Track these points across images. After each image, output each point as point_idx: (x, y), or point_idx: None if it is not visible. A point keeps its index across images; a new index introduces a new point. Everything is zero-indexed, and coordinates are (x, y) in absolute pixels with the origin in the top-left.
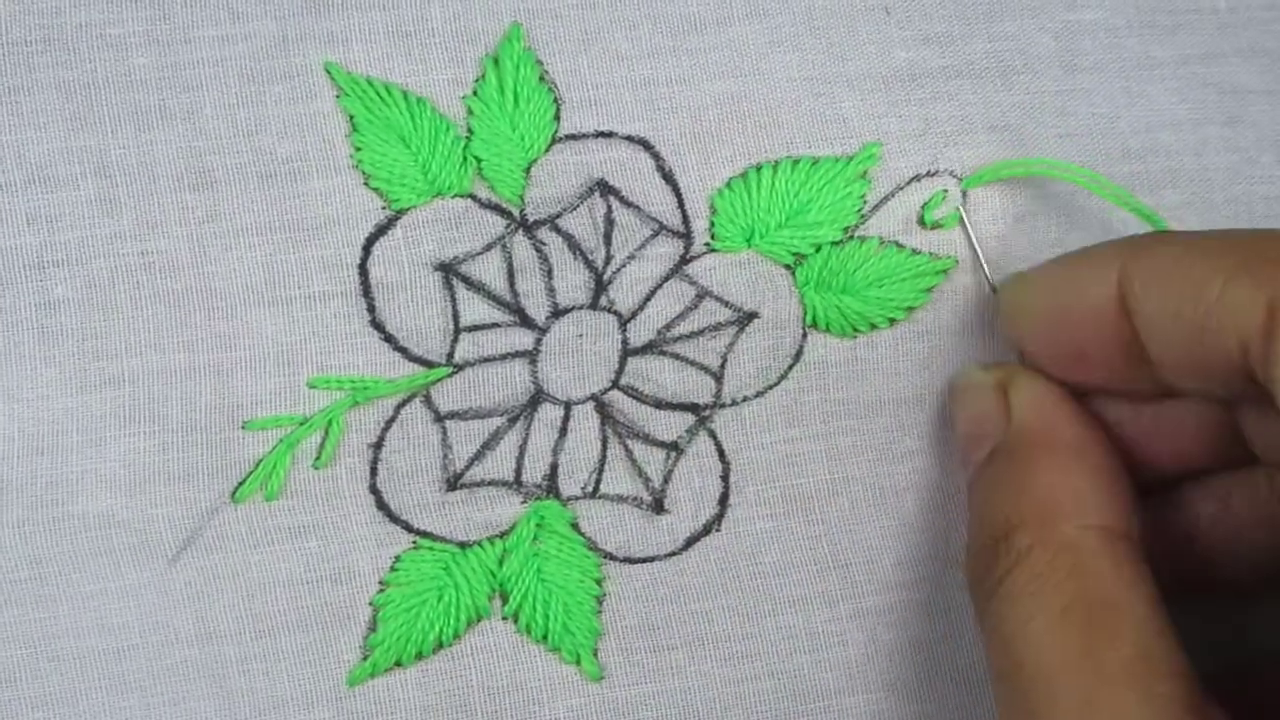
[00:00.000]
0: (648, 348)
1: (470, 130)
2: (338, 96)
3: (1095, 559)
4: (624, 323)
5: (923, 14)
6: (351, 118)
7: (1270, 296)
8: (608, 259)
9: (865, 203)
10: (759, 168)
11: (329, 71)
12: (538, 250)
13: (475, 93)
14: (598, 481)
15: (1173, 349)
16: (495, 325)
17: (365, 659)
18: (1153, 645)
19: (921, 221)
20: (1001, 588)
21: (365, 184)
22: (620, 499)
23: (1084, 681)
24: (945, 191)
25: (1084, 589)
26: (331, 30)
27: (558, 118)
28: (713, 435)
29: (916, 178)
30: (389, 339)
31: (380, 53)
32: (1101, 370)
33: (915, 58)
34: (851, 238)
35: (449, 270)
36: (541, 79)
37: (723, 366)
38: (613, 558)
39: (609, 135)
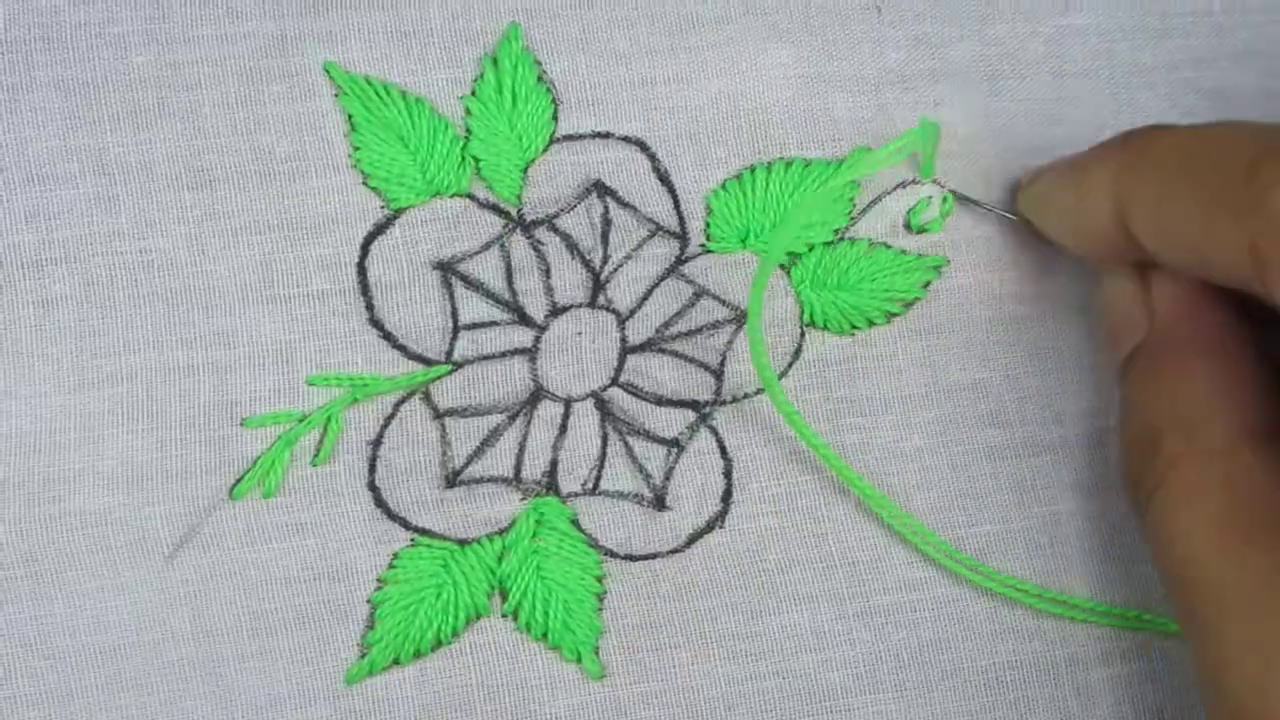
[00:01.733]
0: (647, 345)
1: (468, 130)
2: (336, 96)
3: (1246, 466)
4: (622, 321)
5: (914, 15)
6: (350, 117)
7: (1251, 235)
8: (605, 258)
9: (854, 205)
10: (753, 169)
11: (328, 71)
12: (536, 250)
13: (474, 93)
14: (598, 478)
15: (1184, 265)
16: (494, 323)
17: (363, 657)
18: None
19: (908, 226)
20: (1157, 495)
21: (364, 183)
22: (621, 496)
23: (1249, 593)
24: (929, 198)
25: (1238, 497)
26: (330, 30)
27: (555, 118)
28: (714, 432)
29: (902, 184)
30: (387, 337)
31: (379, 52)
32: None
33: (906, 59)
34: (842, 239)
35: (447, 269)
36: (540, 79)
37: (722, 364)
38: (614, 555)
39: (606, 136)
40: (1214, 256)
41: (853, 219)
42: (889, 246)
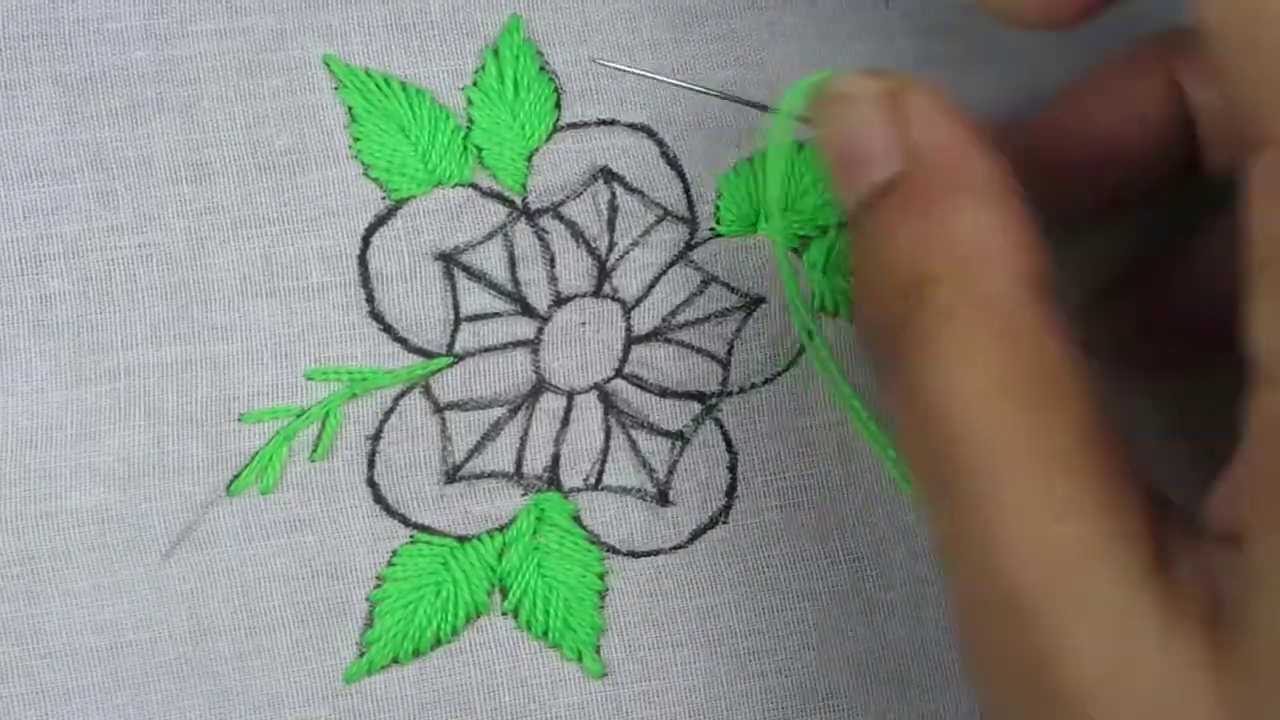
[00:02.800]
0: (652, 335)
1: (470, 120)
2: (336, 89)
3: (1027, 318)
4: (628, 310)
5: (921, 5)
6: (350, 109)
7: None
8: (611, 246)
9: None
10: (764, 152)
11: (327, 64)
12: (540, 238)
13: (475, 83)
14: (600, 473)
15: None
16: (496, 315)
17: (362, 656)
18: (1094, 417)
19: None
20: (922, 349)
21: (364, 174)
22: (624, 491)
23: (1036, 466)
24: None
25: (1019, 355)
26: (330, 23)
27: (559, 106)
28: (719, 424)
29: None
30: (388, 330)
31: (379, 45)
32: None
33: (915, 46)
34: None
35: (449, 260)
36: (542, 69)
37: (729, 353)
38: (616, 551)
39: (612, 123)
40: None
41: None
42: None
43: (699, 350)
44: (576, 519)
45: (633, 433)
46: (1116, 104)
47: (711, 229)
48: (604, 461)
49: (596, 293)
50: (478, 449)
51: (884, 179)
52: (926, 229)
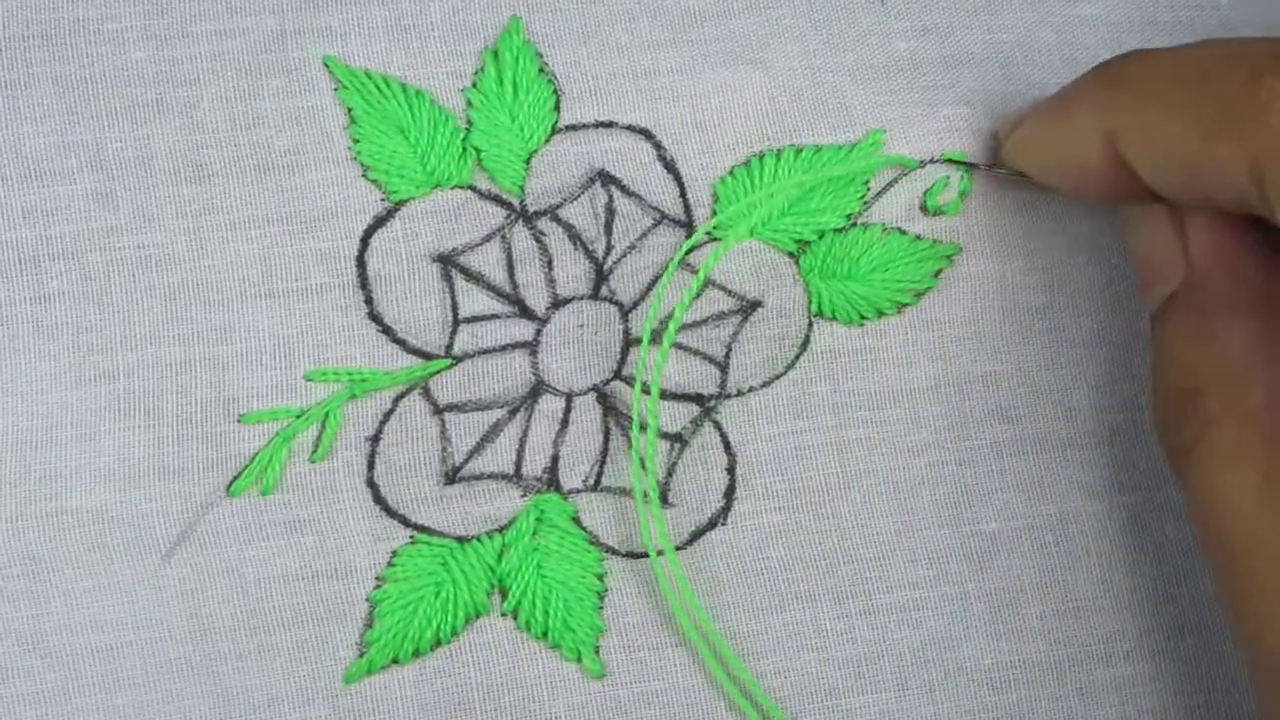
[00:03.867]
0: (650, 338)
1: (469, 122)
2: (336, 90)
3: None
4: (625, 313)
5: (922, 5)
6: (349, 110)
7: (1251, 155)
8: (608, 249)
9: (869, 189)
10: (761, 156)
11: (327, 65)
12: (538, 241)
13: (474, 85)
14: (599, 474)
15: (1175, 192)
16: (495, 316)
17: (361, 656)
18: None
19: (924, 208)
20: (1195, 452)
21: (364, 176)
22: (623, 492)
23: None
24: (947, 178)
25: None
26: (330, 24)
27: (558, 108)
28: (718, 427)
29: (921, 164)
30: (387, 331)
31: (379, 47)
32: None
33: (915, 48)
34: (854, 224)
35: (448, 262)
36: (541, 70)
37: (727, 356)
38: (615, 553)
39: (609, 125)
40: (1211, 177)
41: (866, 203)
42: (903, 232)
43: (697, 353)
44: (576, 520)
45: (631, 434)
46: (1054, 149)
47: (708, 234)
48: (603, 463)
49: (594, 295)
50: (477, 450)
51: (1168, 291)
52: (1197, 343)
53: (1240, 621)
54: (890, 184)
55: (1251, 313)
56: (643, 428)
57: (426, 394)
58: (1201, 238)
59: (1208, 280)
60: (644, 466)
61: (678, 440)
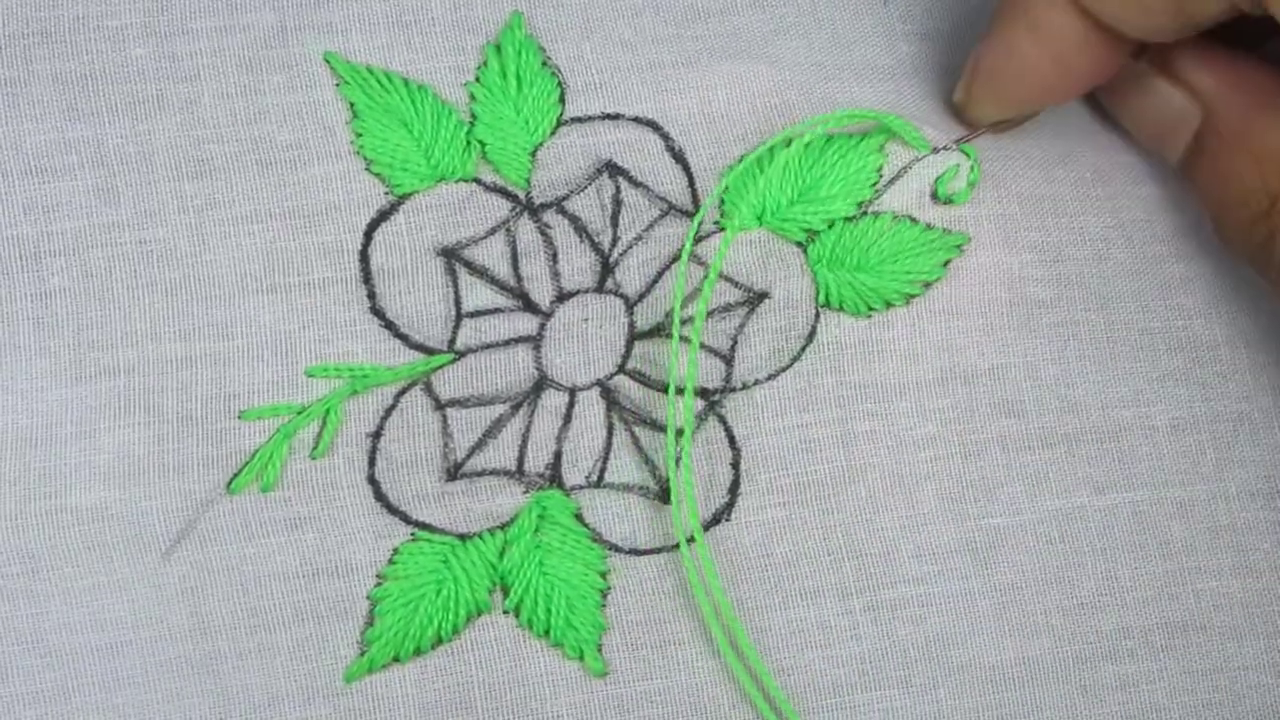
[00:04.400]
0: (655, 331)
1: (473, 116)
2: (338, 85)
3: None
4: (631, 306)
5: (924, 10)
6: (352, 105)
7: None
8: (614, 241)
9: (880, 176)
10: (770, 145)
11: (329, 61)
12: (542, 234)
13: (478, 79)
14: (602, 470)
15: (1161, 24)
16: (498, 310)
17: (362, 655)
18: None
19: (935, 196)
20: None
21: (367, 169)
22: (626, 488)
23: None
24: (957, 166)
25: None
26: (331, 20)
27: (562, 101)
28: (723, 421)
29: (934, 150)
30: (389, 326)
31: (380, 42)
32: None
33: (918, 52)
34: (865, 213)
35: (451, 255)
36: (544, 64)
37: (733, 349)
38: (618, 549)
39: (616, 117)
40: None
41: (878, 191)
42: (913, 221)
43: (702, 346)
44: (579, 517)
45: (635, 430)
46: (1023, 58)
47: (716, 223)
48: (606, 458)
49: (599, 288)
50: (479, 446)
51: (1189, 134)
52: (1248, 154)
53: None
54: (903, 170)
55: (1275, 111)
56: (647, 422)
57: (429, 389)
58: (1200, 72)
59: (1227, 101)
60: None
61: (682, 435)
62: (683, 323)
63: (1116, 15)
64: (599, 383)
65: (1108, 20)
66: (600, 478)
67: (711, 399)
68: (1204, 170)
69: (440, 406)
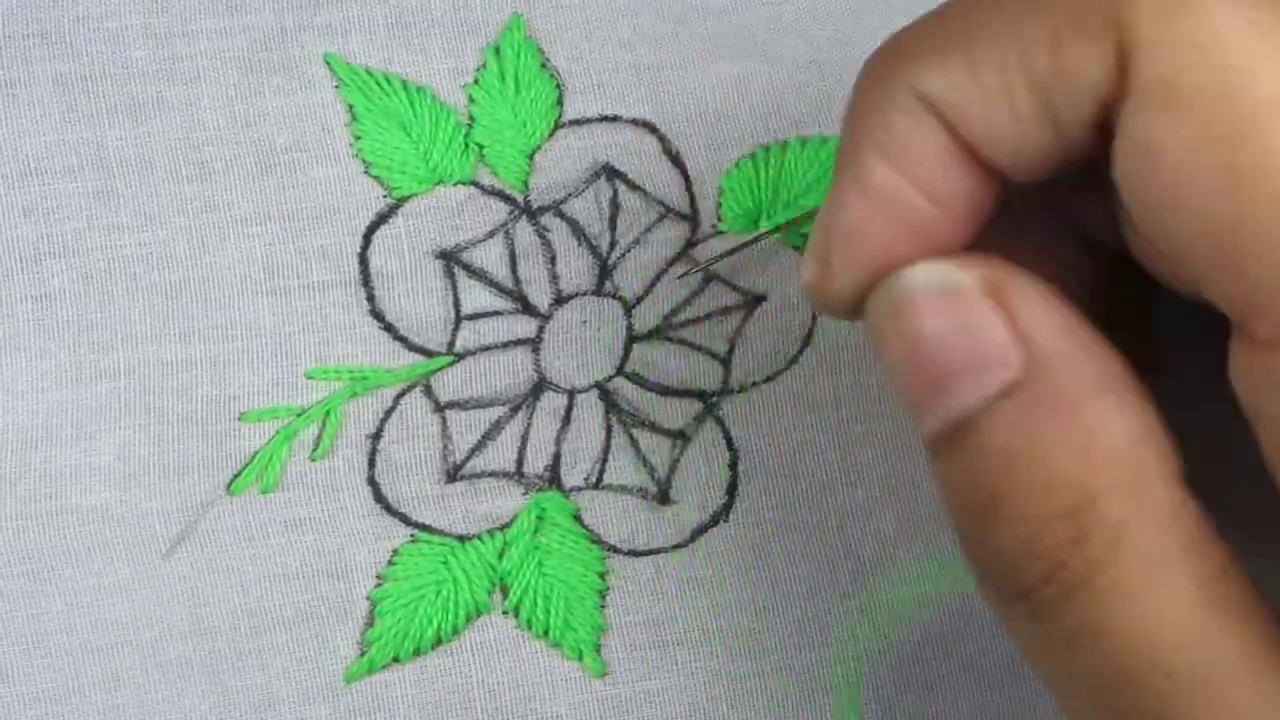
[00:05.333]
0: (653, 334)
1: (472, 118)
2: (337, 87)
3: (1199, 522)
4: (629, 308)
5: (924, 6)
6: (351, 107)
7: (1115, 41)
8: (612, 244)
9: None
10: (767, 148)
11: (328, 63)
12: (541, 236)
13: (476, 81)
14: (601, 472)
15: (1027, 132)
16: (497, 313)
17: (362, 655)
18: (1262, 607)
19: None
20: (1100, 579)
21: (365, 172)
22: (624, 490)
23: (1251, 682)
24: None
25: (1205, 560)
26: (330, 22)
27: (560, 103)
28: (720, 423)
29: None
30: (388, 328)
31: (380, 43)
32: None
33: None
34: None
35: (450, 258)
36: (543, 66)
37: (730, 351)
38: (617, 550)
39: (614, 119)
40: (1078, 85)
41: None
42: None
43: (700, 348)
44: (577, 518)
45: (634, 431)
46: (868, 206)
47: (713, 226)
48: (605, 460)
49: (598, 291)
50: (478, 448)
51: (996, 385)
52: (1071, 436)
53: None
54: None
55: (1124, 397)
56: (645, 424)
57: (428, 391)
58: (1039, 317)
59: (1063, 365)
60: (645, 463)
61: (680, 437)
62: (681, 325)
63: (979, 120)
64: (598, 385)
65: (967, 128)
66: (599, 479)
67: (709, 401)
68: (1006, 429)
69: (440, 408)
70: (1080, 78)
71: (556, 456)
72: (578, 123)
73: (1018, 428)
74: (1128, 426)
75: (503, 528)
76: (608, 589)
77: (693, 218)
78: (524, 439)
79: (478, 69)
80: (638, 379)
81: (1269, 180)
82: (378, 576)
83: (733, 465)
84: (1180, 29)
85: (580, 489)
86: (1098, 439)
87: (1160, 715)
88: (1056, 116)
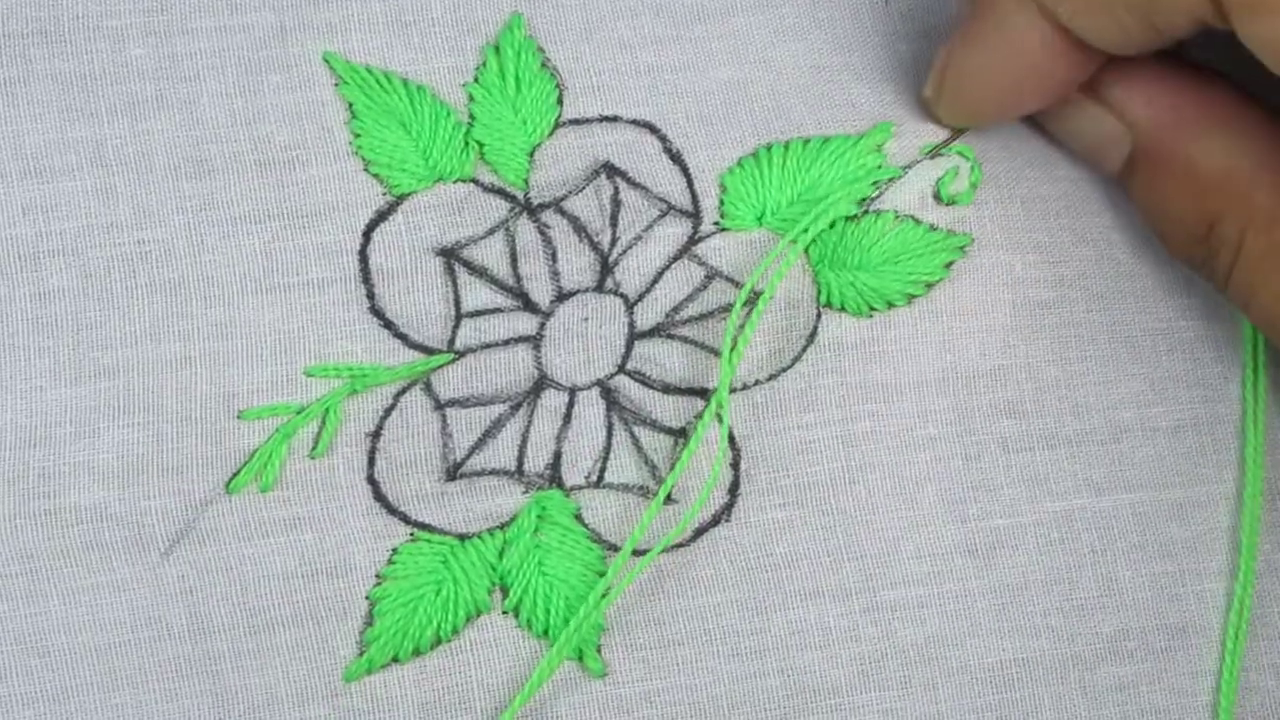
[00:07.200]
0: (655, 331)
1: (471, 116)
2: (336, 85)
3: None
4: (630, 305)
5: (924, 8)
6: (350, 105)
7: None
8: (613, 241)
9: (881, 175)
10: (769, 146)
11: (328, 61)
12: (542, 233)
13: (476, 80)
14: (602, 470)
15: (1129, 37)
16: (498, 310)
17: (362, 654)
18: None
19: (938, 197)
20: (1235, 276)
21: (365, 170)
22: (625, 489)
23: None
24: (957, 168)
25: None
26: (330, 20)
27: (560, 103)
28: (722, 421)
29: (934, 151)
30: (388, 326)
31: (380, 42)
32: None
33: (918, 50)
34: (867, 212)
35: (450, 255)
36: (543, 65)
37: (733, 349)
38: (617, 550)
39: (614, 119)
40: (1170, 6)
41: (879, 189)
42: (917, 221)
43: (702, 346)
44: (578, 517)
45: (635, 430)
46: (993, 62)
47: (715, 223)
48: (606, 459)
49: (599, 288)
50: (479, 446)
51: (1122, 156)
52: (1182, 183)
53: None
54: (904, 169)
55: (1208, 129)
56: (647, 422)
57: (428, 389)
58: (1133, 98)
59: (1156, 128)
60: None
61: (682, 435)
62: (683, 323)
63: (1085, 27)
64: (599, 383)
65: (1077, 31)
66: (600, 478)
67: (711, 399)
68: (1139, 192)
69: (440, 406)
70: (1174, 4)
71: (557, 455)
72: (577, 122)
73: (1144, 186)
74: (1225, 158)
75: (503, 526)
76: (608, 589)
77: (694, 214)
78: (524, 437)
79: (478, 68)
80: (639, 376)
81: None
82: (377, 575)
83: (735, 464)
84: None
85: (581, 487)
86: (1199, 178)
87: None
88: (1158, 30)
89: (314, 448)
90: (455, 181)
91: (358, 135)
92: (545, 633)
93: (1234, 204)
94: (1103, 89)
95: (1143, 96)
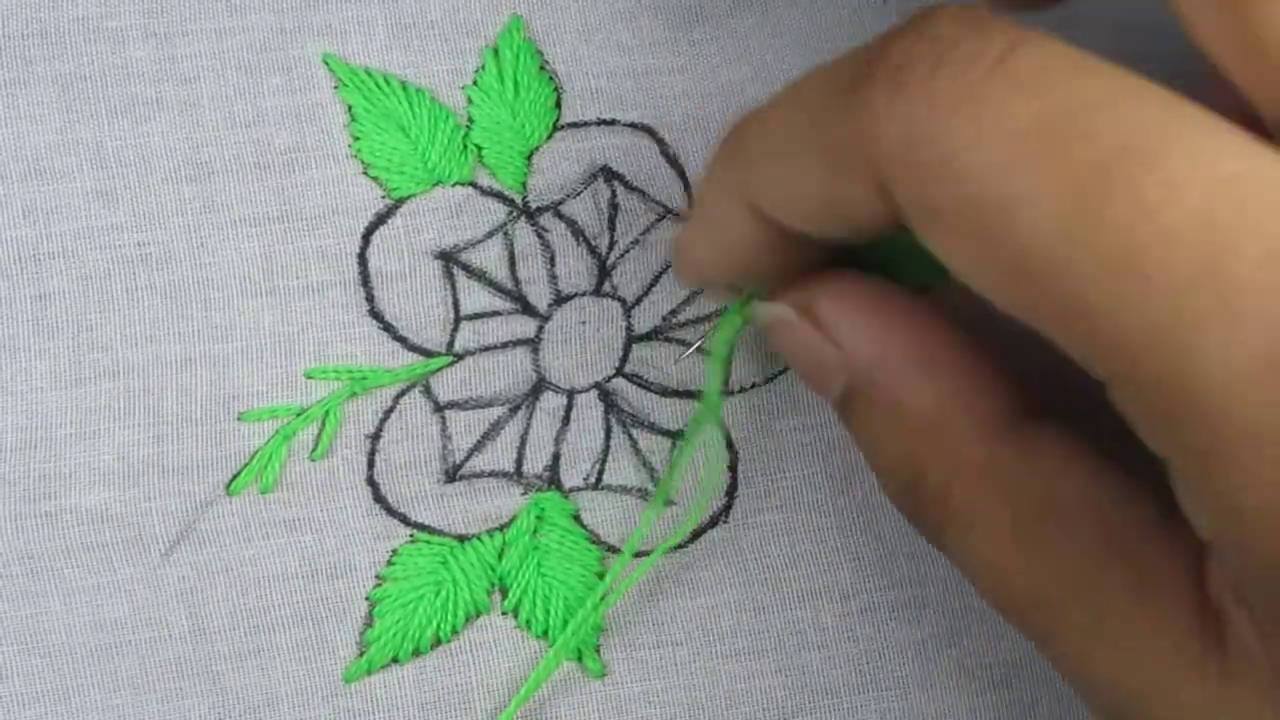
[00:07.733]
0: (653, 334)
1: (470, 119)
2: (336, 87)
3: (1013, 464)
4: (628, 309)
5: (921, 5)
6: (350, 108)
7: (868, 164)
8: (611, 244)
9: None
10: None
11: (327, 63)
12: (540, 237)
13: (475, 83)
14: (600, 472)
15: (830, 233)
16: (496, 313)
17: (361, 655)
18: (1117, 512)
19: None
20: (947, 530)
21: (364, 173)
22: (624, 490)
23: (1084, 602)
24: None
25: (1017, 499)
26: (330, 23)
27: (559, 106)
28: (720, 424)
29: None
30: (388, 328)
31: (379, 45)
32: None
33: None
34: None
35: (449, 258)
36: (542, 68)
37: (730, 353)
38: (616, 551)
39: (612, 123)
40: (851, 210)
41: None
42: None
43: (699, 349)
44: (577, 518)
45: (633, 432)
46: (713, 247)
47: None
48: (604, 461)
49: (597, 291)
50: (478, 448)
51: (838, 388)
52: (886, 429)
53: (1063, 667)
54: None
55: (921, 374)
56: (645, 424)
57: (427, 391)
58: (842, 326)
59: (868, 369)
60: (645, 463)
61: (680, 437)
62: (680, 326)
63: (778, 213)
64: (597, 385)
65: (771, 216)
66: (598, 480)
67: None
68: (853, 430)
69: (439, 408)
70: (853, 204)
71: (556, 457)
72: (576, 125)
73: (858, 424)
74: (935, 400)
75: (502, 528)
76: (607, 590)
77: None
78: (523, 439)
79: (477, 70)
80: (637, 379)
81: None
82: (377, 576)
83: (732, 466)
84: (920, 156)
85: (580, 489)
86: (911, 421)
87: (1031, 631)
88: (850, 224)
89: (314, 450)
90: (454, 185)
91: (357, 138)
92: (544, 633)
93: (941, 454)
94: (819, 312)
95: (858, 324)
